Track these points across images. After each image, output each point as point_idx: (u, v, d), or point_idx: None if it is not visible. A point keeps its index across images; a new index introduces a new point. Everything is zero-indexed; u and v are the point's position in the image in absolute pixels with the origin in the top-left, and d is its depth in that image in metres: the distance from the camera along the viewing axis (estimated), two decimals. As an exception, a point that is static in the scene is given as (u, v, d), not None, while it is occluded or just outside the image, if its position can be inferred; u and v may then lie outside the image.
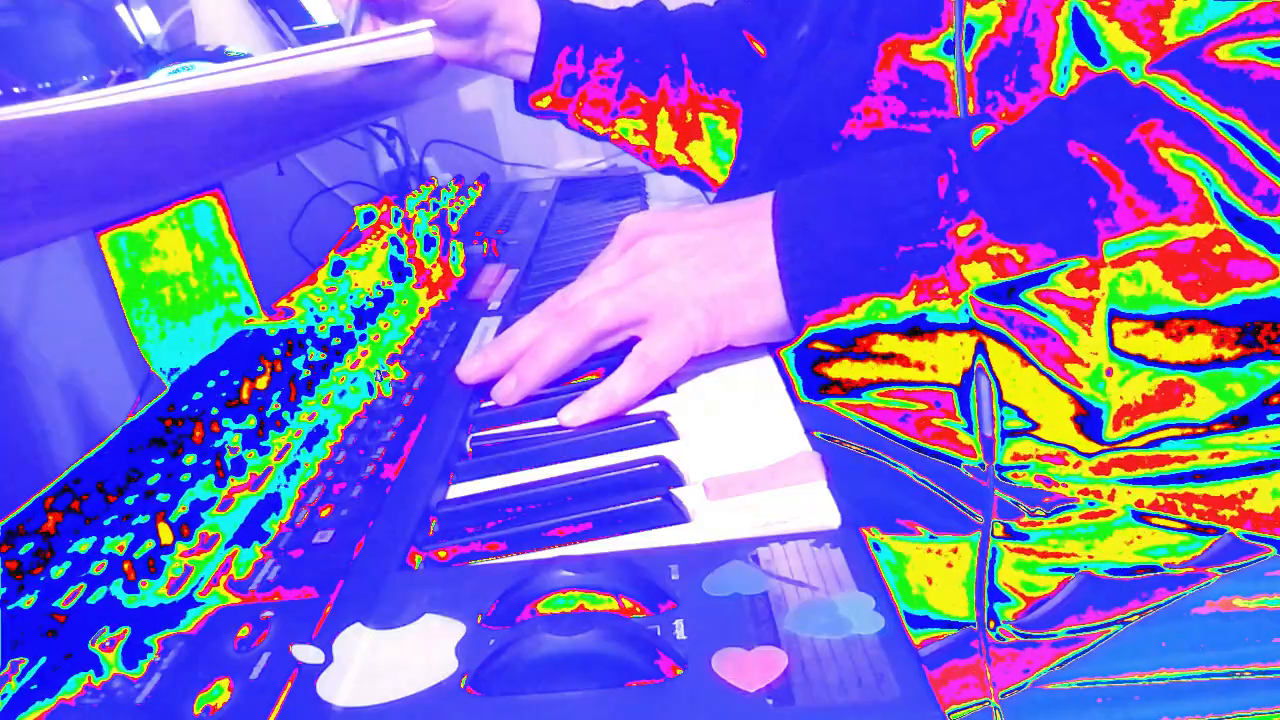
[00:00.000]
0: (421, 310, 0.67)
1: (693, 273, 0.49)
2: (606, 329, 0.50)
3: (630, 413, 0.47)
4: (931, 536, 0.47)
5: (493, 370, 0.52)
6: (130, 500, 0.40)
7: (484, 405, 0.51)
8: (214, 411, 0.46)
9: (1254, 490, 0.44)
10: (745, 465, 0.40)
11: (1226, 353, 0.42)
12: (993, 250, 0.43)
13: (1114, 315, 0.42)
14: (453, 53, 0.82)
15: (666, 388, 0.49)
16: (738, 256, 0.49)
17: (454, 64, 0.83)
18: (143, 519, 0.38)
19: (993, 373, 0.45)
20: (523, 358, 0.51)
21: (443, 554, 0.37)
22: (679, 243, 0.50)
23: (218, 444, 0.44)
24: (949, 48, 0.51)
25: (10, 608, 0.33)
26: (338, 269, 0.67)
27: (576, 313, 0.50)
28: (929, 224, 0.44)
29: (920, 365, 0.46)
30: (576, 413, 0.46)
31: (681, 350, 0.48)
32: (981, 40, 0.49)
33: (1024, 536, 0.47)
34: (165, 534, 0.37)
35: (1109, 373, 0.43)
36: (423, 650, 0.31)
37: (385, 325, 0.62)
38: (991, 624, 0.46)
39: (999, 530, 0.47)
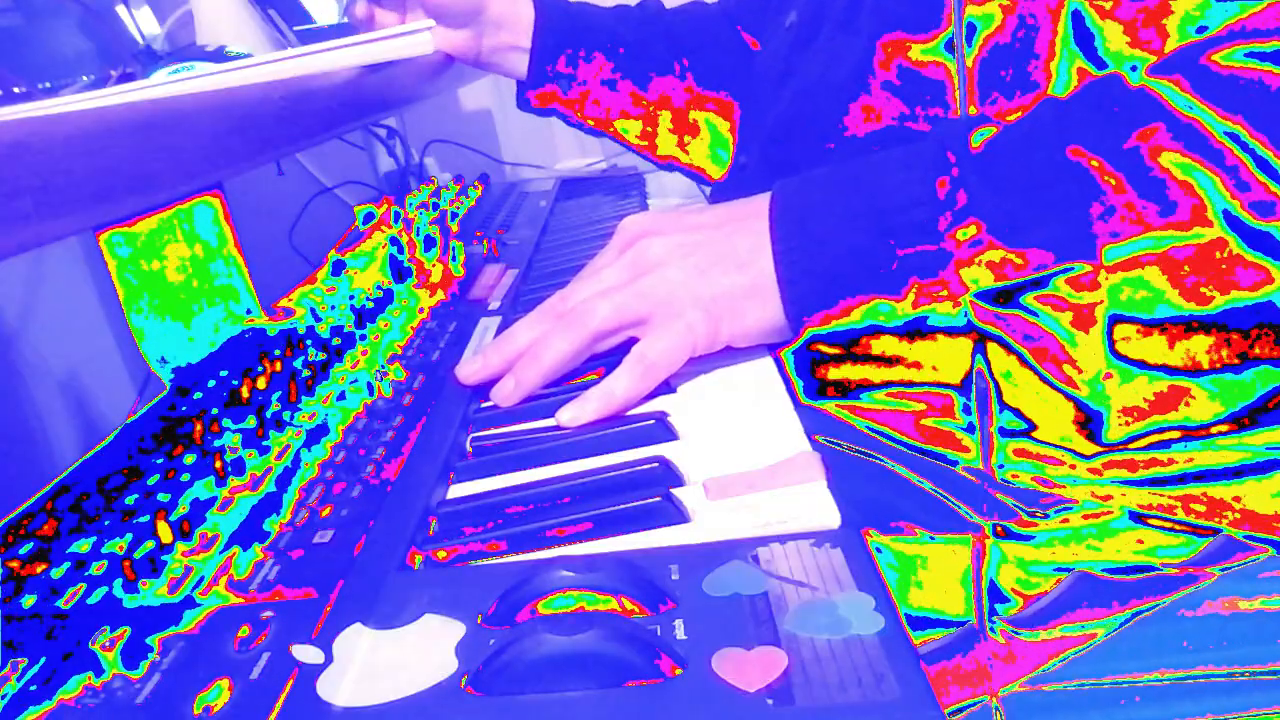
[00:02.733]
0: (421, 310, 0.67)
1: (692, 272, 0.49)
2: (606, 330, 0.50)
3: (630, 413, 0.47)
4: (930, 537, 0.47)
5: (492, 371, 0.52)
6: (130, 500, 0.40)
7: (484, 405, 0.51)
8: (214, 411, 0.46)
9: (1254, 491, 0.45)
10: (745, 465, 0.40)
11: (1226, 358, 0.42)
12: (992, 254, 0.43)
13: (1114, 320, 0.42)
14: (448, 45, 0.82)
15: (666, 388, 0.49)
16: (737, 257, 0.49)
17: (452, 59, 0.83)
18: (143, 519, 0.38)
19: (992, 375, 0.45)
20: (522, 359, 0.51)
21: (443, 554, 0.37)
22: (678, 243, 0.50)
23: (218, 444, 0.44)
24: (949, 47, 0.51)
25: (10, 607, 0.33)
26: (338, 269, 0.67)
27: (575, 314, 0.50)
28: (928, 226, 0.44)
29: (919, 367, 0.46)
30: (575, 413, 0.46)
31: (680, 350, 0.48)
32: (982, 39, 0.49)
33: (1023, 537, 0.47)
34: (165, 534, 0.37)
35: (1108, 377, 0.43)
36: (423, 650, 0.31)
37: (385, 325, 0.62)
38: (991, 624, 0.46)
39: (998, 531, 0.47)
